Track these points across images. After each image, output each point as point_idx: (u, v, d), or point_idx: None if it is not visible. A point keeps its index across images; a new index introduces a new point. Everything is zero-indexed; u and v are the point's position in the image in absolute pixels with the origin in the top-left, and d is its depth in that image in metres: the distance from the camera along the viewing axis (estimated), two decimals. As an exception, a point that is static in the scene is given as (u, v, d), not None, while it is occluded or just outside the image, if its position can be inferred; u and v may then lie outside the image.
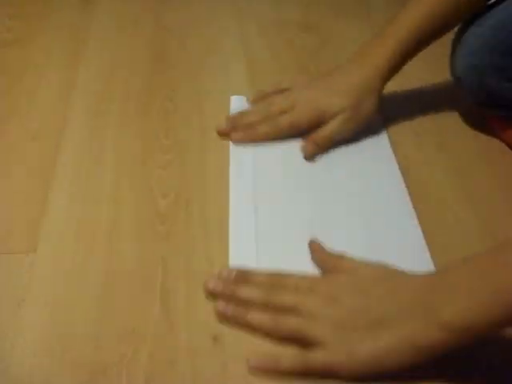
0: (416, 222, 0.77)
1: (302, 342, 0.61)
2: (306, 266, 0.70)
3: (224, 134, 0.90)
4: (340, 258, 0.68)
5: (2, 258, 0.72)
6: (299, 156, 0.87)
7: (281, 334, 0.62)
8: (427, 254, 0.72)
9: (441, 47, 0.90)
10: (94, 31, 1.17)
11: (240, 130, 0.89)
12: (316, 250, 0.72)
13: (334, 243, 0.71)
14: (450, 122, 0.96)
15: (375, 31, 0.90)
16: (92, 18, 1.21)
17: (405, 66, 0.88)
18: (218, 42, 1.15)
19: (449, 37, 0.90)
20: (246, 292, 0.65)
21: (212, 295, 0.67)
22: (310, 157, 0.86)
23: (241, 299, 0.65)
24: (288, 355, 0.60)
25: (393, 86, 0.90)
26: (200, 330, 0.64)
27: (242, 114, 0.92)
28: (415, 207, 0.79)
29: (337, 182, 0.83)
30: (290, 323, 0.62)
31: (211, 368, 0.61)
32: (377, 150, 0.89)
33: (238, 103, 0.98)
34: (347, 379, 0.58)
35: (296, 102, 0.88)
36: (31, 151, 0.88)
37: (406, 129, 0.94)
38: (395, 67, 0.87)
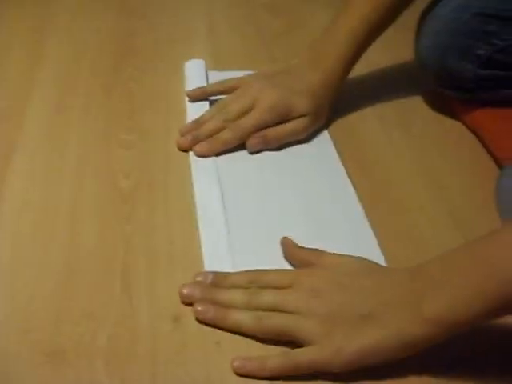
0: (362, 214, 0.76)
1: (287, 340, 0.60)
2: (283, 264, 0.69)
3: (185, 149, 0.84)
4: (320, 253, 0.66)
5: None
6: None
7: (265, 334, 0.60)
8: (375, 242, 0.72)
9: (403, 31, 0.91)
10: (60, 9, 1.15)
11: (203, 141, 0.83)
12: (289, 246, 0.70)
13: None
14: (413, 106, 0.97)
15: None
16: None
17: (367, 52, 0.89)
18: (185, 25, 1.15)
19: (410, 19, 0.91)
20: (224, 294, 0.63)
21: (187, 301, 0.64)
22: (252, 150, 0.84)
23: (220, 303, 0.62)
24: (274, 356, 0.59)
25: (355, 70, 0.91)
26: (161, 311, 0.64)
27: (198, 123, 0.86)
28: (377, 191, 0.80)
29: (285, 182, 0.82)
30: (274, 321, 0.60)
31: (171, 349, 0.60)
32: (320, 149, 0.88)
33: (195, 68, 0.97)
34: (334, 376, 0.58)
35: (256, 100, 0.84)
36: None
37: (368, 113, 0.94)
38: (349, 65, 0.88)
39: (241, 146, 0.85)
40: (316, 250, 0.67)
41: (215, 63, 1.03)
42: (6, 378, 0.57)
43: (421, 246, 0.73)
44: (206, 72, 0.98)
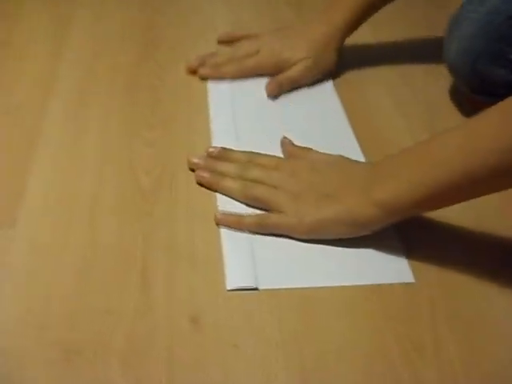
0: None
1: (264, 207, 0.73)
2: None
3: (192, 71, 0.97)
4: (309, 149, 0.79)
5: (-21, 232, 0.70)
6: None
7: (248, 200, 0.74)
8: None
9: (434, 34, 0.89)
10: (81, 6, 1.15)
11: (207, 67, 0.96)
12: (286, 144, 0.82)
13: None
14: (442, 110, 0.95)
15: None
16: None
17: (398, 52, 0.87)
18: (207, 19, 1.14)
19: (441, 22, 0.89)
20: (223, 166, 0.77)
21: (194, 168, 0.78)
22: (271, 95, 0.94)
23: (217, 172, 0.77)
24: (250, 215, 0.72)
25: (383, 70, 0.89)
26: (179, 310, 0.63)
27: (209, 54, 0.99)
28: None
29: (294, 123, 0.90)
30: (256, 190, 0.73)
31: (188, 350, 0.59)
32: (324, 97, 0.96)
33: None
34: (296, 239, 0.71)
35: (260, 47, 0.96)
36: (13, 124, 0.86)
37: (394, 114, 0.92)
38: (354, 23, 0.95)
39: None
40: (307, 147, 0.80)
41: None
42: (22, 375, 0.57)
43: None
44: None
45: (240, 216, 0.72)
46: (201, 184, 0.77)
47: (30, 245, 0.69)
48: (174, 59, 1.01)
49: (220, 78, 0.96)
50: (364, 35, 1.03)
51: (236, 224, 0.72)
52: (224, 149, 0.80)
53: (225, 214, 0.73)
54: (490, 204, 0.74)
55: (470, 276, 0.68)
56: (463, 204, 0.66)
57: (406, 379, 0.59)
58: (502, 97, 0.87)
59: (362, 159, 0.81)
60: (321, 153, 0.78)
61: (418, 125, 0.91)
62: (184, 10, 1.16)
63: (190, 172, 0.79)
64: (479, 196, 0.64)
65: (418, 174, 0.64)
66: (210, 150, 0.80)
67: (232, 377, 0.58)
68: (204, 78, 0.96)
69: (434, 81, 0.99)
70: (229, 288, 0.66)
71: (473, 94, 0.92)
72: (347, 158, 0.75)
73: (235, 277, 0.67)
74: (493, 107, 0.62)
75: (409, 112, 0.93)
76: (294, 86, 0.95)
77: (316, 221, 0.69)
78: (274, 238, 0.72)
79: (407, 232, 0.72)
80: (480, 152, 0.60)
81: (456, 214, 0.73)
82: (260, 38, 0.99)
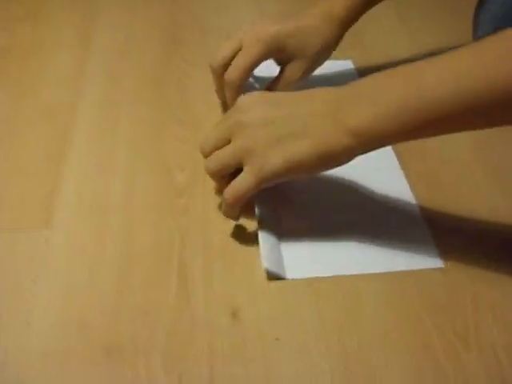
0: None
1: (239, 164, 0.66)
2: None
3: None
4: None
5: (16, 234, 0.70)
6: None
7: (224, 161, 0.68)
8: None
9: (460, 19, 0.88)
10: (108, 7, 1.15)
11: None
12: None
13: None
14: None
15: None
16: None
17: (420, 35, 0.85)
18: (232, 15, 1.13)
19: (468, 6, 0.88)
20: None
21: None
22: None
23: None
24: (227, 188, 0.67)
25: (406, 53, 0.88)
26: (218, 306, 0.63)
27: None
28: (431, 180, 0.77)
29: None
30: (227, 151, 0.67)
31: (229, 345, 0.59)
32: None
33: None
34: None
35: (243, 40, 0.82)
36: (44, 126, 0.86)
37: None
38: (351, 12, 0.84)
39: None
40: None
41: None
42: (64, 375, 0.57)
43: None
44: None
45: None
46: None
47: (66, 245, 0.69)
48: (201, 56, 1.01)
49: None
50: (389, 15, 1.01)
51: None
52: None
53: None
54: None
55: (500, 262, 0.67)
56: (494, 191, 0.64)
57: (449, 369, 0.58)
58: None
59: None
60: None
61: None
62: (208, 7, 1.15)
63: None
64: (470, 129, 0.60)
65: (402, 97, 0.58)
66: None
67: (274, 370, 0.57)
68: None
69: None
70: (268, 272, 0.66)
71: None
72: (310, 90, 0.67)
73: (271, 265, 0.66)
74: (498, 33, 0.57)
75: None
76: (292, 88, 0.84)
77: (287, 160, 0.63)
78: (303, 228, 0.71)
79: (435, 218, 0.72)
80: (489, 74, 0.54)
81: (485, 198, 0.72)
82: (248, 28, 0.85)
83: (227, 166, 0.68)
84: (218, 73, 0.84)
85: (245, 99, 0.68)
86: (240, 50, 0.82)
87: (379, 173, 0.78)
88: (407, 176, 0.78)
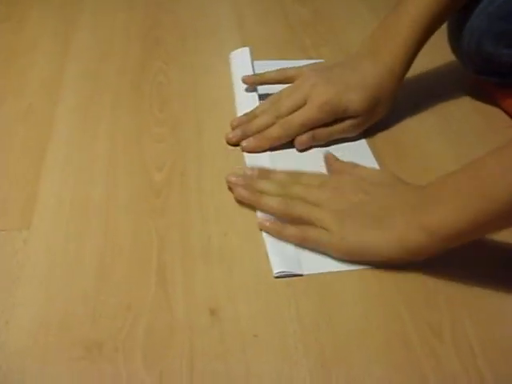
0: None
1: (305, 224, 0.69)
2: None
3: (234, 144, 0.83)
4: (354, 164, 0.75)
5: (-4, 235, 0.71)
6: None
7: (287, 216, 0.70)
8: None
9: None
10: (87, 6, 1.15)
11: (251, 136, 0.83)
12: (330, 159, 0.78)
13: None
14: (450, 93, 0.95)
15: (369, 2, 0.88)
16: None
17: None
18: (213, 17, 1.14)
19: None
20: (261, 183, 0.74)
21: (231, 188, 0.75)
22: (300, 148, 0.83)
23: (258, 190, 0.73)
24: (291, 227, 0.69)
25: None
26: (197, 304, 0.63)
27: (249, 116, 0.85)
28: (413, 179, 0.78)
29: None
30: (298, 208, 0.70)
31: (209, 342, 0.60)
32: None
33: (240, 58, 0.96)
34: (334, 257, 0.68)
35: (309, 97, 0.82)
36: (24, 128, 0.86)
37: (403, 100, 0.92)
38: (411, 57, 0.84)
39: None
40: (353, 162, 0.76)
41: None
42: (45, 373, 0.58)
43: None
44: (252, 61, 0.96)
45: (281, 226, 0.70)
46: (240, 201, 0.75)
47: (46, 245, 0.69)
48: (180, 57, 1.02)
49: (268, 146, 0.83)
50: (364, 16, 1.02)
51: (276, 233, 0.70)
52: (263, 169, 0.76)
53: (267, 219, 0.71)
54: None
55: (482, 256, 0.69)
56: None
57: (427, 366, 0.59)
58: (505, 76, 0.88)
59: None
60: (368, 168, 0.74)
61: (423, 108, 0.92)
62: (188, 8, 1.16)
63: (201, 166, 0.80)
64: None
65: (466, 203, 0.61)
66: (249, 172, 0.76)
67: (253, 366, 0.58)
68: (250, 151, 0.83)
69: (437, 62, 0.99)
70: (276, 273, 0.67)
71: (477, 75, 0.92)
72: (394, 176, 0.72)
73: (280, 262, 0.68)
74: None
75: (416, 99, 0.94)
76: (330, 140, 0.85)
77: (360, 243, 0.66)
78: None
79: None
80: None
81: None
82: (305, 82, 0.84)
83: (298, 217, 0.70)
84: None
85: (340, 182, 0.72)
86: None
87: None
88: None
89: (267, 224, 0.71)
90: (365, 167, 0.74)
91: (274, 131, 0.82)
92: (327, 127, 0.83)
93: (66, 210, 0.74)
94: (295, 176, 0.74)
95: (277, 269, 0.67)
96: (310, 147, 0.84)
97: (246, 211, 0.74)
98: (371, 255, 0.66)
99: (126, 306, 0.63)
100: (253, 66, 0.94)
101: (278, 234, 0.70)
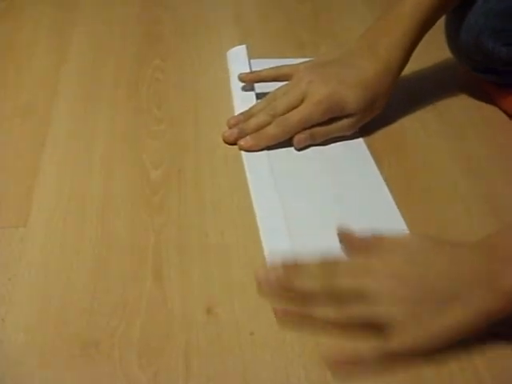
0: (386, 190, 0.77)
1: (371, 327, 0.59)
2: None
3: (231, 142, 0.83)
4: (379, 236, 0.63)
5: (-8, 232, 0.71)
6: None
7: (350, 325, 0.59)
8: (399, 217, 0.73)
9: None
10: (85, 5, 1.15)
11: (248, 135, 0.82)
12: (347, 236, 0.66)
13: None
14: (448, 91, 0.95)
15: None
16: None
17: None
18: (212, 13, 1.14)
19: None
20: (302, 283, 0.61)
21: (262, 295, 0.64)
22: (298, 147, 0.83)
23: (298, 292, 0.61)
24: (366, 347, 0.58)
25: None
26: (194, 302, 0.63)
27: (246, 115, 0.85)
28: (410, 178, 0.78)
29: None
30: (357, 312, 0.59)
31: (205, 340, 0.60)
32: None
33: (237, 56, 0.96)
34: (425, 356, 0.58)
35: (305, 95, 0.82)
36: (22, 124, 0.86)
37: (401, 98, 0.92)
38: (404, 61, 0.84)
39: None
40: (375, 234, 0.63)
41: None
42: (41, 370, 0.57)
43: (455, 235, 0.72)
44: (249, 59, 0.96)
45: (356, 352, 0.58)
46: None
47: (43, 242, 0.69)
48: (178, 54, 1.02)
49: (266, 145, 0.82)
50: (362, 14, 1.02)
51: (355, 361, 0.58)
52: (289, 263, 0.63)
53: (338, 355, 0.58)
54: None
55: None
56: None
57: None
58: (502, 74, 0.88)
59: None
60: (396, 237, 0.63)
61: (422, 106, 0.92)
62: (187, 4, 1.16)
63: (199, 164, 0.80)
64: None
65: None
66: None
67: (250, 364, 0.58)
68: (247, 150, 0.82)
69: (434, 60, 0.99)
70: (267, 252, 0.67)
71: (474, 73, 0.92)
72: (435, 238, 0.62)
73: (271, 241, 0.69)
74: None
75: (415, 95, 0.93)
76: (327, 138, 0.84)
77: (446, 329, 0.57)
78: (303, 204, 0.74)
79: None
80: None
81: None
82: (301, 80, 0.83)
83: (368, 321, 0.59)
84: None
85: (389, 262, 0.60)
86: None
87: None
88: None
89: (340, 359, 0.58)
90: (390, 236, 0.63)
91: (271, 130, 0.82)
92: (324, 125, 0.83)
93: (62, 208, 0.74)
94: (331, 264, 0.62)
95: (268, 248, 0.68)
96: (308, 146, 0.83)
97: (243, 209, 0.74)
98: (453, 337, 0.58)
99: (122, 304, 0.63)
100: (250, 65, 0.94)
101: (354, 361, 0.58)
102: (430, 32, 0.85)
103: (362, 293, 0.58)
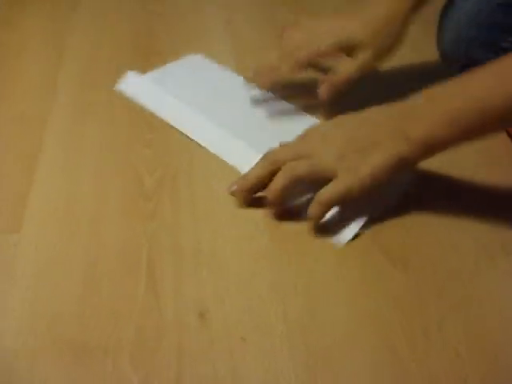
0: None
1: (312, 181, 0.71)
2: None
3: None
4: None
5: (-14, 238, 0.71)
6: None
7: (294, 183, 0.71)
8: None
9: (424, 25, 0.90)
10: (79, 14, 1.16)
11: (264, 75, 0.88)
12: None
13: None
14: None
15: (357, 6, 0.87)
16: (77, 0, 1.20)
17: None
18: (203, 20, 1.15)
19: (432, 13, 0.90)
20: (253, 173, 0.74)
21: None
22: (323, 99, 0.84)
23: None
24: (310, 206, 0.71)
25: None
26: (186, 307, 0.64)
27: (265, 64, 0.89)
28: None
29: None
30: (302, 166, 0.70)
31: (196, 345, 0.61)
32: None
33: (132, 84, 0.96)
34: (357, 197, 0.69)
35: (313, 33, 0.85)
36: (16, 131, 0.87)
37: (396, 95, 0.91)
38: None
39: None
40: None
41: (233, 57, 1.03)
42: (33, 375, 0.58)
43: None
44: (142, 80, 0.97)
45: (298, 209, 0.74)
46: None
47: (36, 248, 0.70)
48: (171, 58, 1.02)
49: (278, 82, 0.89)
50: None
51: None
52: (244, 174, 0.75)
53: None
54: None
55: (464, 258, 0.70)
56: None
57: (412, 366, 0.60)
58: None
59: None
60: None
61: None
62: (178, 11, 1.17)
63: (192, 171, 0.81)
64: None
65: (453, 110, 0.66)
66: (233, 188, 0.75)
67: (240, 369, 0.59)
68: (265, 89, 0.90)
69: (427, 71, 1.00)
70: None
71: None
72: (368, 110, 0.73)
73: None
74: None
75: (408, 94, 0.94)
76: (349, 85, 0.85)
77: (371, 171, 0.68)
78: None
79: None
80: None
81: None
82: (312, 21, 0.88)
83: (302, 178, 0.71)
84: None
85: (320, 129, 0.75)
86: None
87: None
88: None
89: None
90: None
91: (283, 68, 0.85)
92: (340, 72, 0.83)
93: (56, 214, 0.74)
94: (272, 151, 0.74)
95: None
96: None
97: (236, 216, 0.75)
98: (379, 178, 0.69)
99: (115, 309, 0.63)
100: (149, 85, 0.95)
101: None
102: (422, 40, 0.86)
103: (302, 154, 0.71)
